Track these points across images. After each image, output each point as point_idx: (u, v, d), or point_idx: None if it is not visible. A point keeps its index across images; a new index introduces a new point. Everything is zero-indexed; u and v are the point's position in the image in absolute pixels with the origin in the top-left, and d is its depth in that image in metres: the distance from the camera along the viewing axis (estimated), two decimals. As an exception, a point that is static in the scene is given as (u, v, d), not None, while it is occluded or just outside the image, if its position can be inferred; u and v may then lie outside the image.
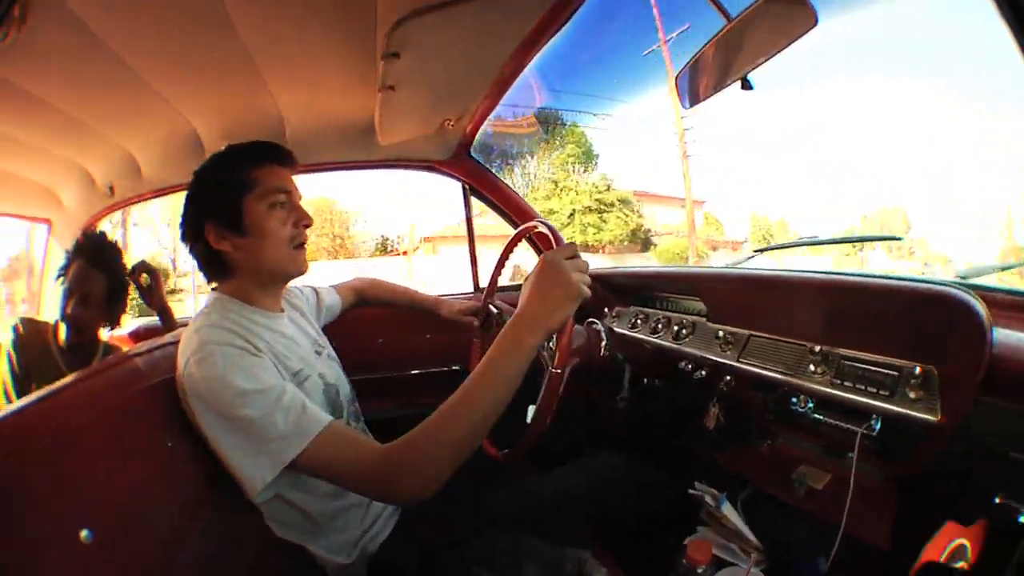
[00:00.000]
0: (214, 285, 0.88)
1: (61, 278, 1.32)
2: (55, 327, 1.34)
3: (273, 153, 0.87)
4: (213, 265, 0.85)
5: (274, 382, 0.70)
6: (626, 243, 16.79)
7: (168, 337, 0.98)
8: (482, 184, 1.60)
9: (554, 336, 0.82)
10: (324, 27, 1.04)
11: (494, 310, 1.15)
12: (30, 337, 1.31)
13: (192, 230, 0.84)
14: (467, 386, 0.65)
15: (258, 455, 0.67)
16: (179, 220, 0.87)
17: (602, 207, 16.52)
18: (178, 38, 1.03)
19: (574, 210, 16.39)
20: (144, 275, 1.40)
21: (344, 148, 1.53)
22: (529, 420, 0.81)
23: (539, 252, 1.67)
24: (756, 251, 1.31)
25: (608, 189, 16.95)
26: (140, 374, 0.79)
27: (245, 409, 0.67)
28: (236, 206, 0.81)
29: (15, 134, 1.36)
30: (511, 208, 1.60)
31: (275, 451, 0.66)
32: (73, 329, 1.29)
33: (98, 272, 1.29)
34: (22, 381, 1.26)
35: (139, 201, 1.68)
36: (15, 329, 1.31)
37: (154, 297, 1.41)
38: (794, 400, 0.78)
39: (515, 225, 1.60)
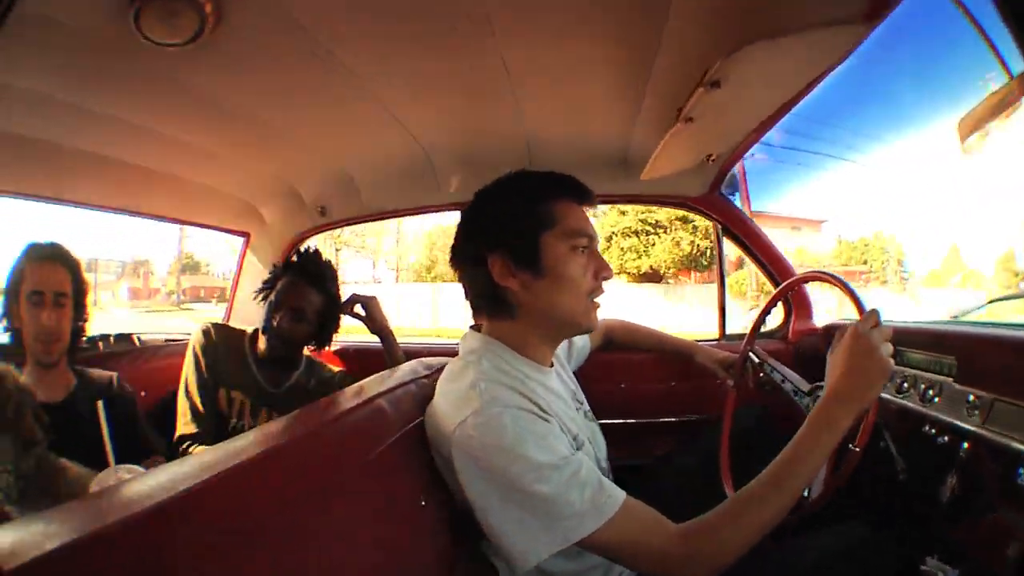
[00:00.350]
0: (474, 324, 0.80)
1: (265, 291, 1.29)
2: (253, 336, 1.30)
3: (574, 189, 0.78)
4: (489, 300, 0.76)
5: (567, 453, 0.64)
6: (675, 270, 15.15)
7: (406, 372, 0.90)
8: (737, 226, 1.43)
9: None
10: (595, 43, 0.93)
11: (754, 359, 1.11)
12: (223, 343, 1.28)
13: (472, 257, 0.77)
14: (776, 468, 0.63)
15: (540, 531, 0.61)
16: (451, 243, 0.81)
17: (647, 228, 14.66)
18: (425, 49, 0.92)
19: (612, 233, 14.38)
20: (356, 305, 1.37)
21: (594, 180, 1.39)
22: (805, 492, 0.78)
23: (786, 305, 1.47)
24: (991, 300, 1.26)
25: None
26: (388, 421, 0.71)
27: (538, 484, 0.60)
28: (533, 242, 0.73)
29: (217, 149, 1.30)
30: (768, 257, 1.41)
31: (565, 529, 0.61)
32: (279, 342, 1.24)
33: (313, 289, 1.26)
34: (209, 386, 1.22)
35: (350, 224, 1.61)
36: (206, 333, 1.27)
37: (373, 322, 1.38)
38: (1021, 471, 0.74)
39: (771, 277, 1.42)
